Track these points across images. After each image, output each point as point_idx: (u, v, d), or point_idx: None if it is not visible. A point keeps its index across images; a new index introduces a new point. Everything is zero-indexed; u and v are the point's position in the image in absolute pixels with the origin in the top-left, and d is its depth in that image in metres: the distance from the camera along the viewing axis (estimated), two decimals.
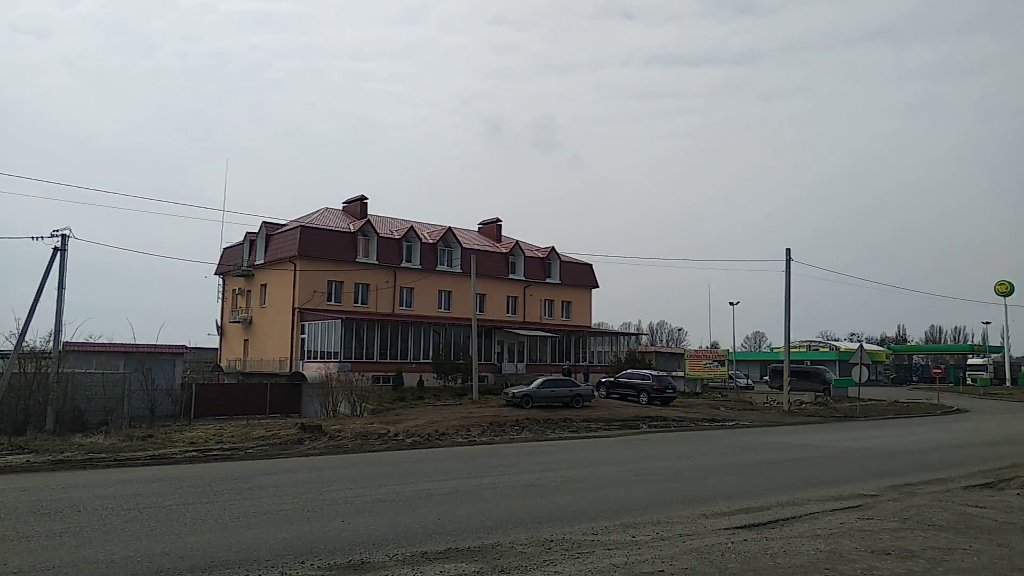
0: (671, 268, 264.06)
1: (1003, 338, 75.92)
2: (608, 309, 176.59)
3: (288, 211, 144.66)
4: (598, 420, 29.04)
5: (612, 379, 39.74)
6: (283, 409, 37.11)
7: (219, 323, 52.02)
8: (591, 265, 57.04)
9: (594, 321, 59.49)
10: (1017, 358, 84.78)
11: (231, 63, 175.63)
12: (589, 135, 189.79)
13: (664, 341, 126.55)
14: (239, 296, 49.32)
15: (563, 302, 55.41)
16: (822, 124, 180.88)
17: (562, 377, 36.75)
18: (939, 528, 9.97)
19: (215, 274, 51.68)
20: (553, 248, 55.03)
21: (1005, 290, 70.93)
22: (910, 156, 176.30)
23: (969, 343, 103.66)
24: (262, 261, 46.27)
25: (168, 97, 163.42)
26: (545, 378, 34.47)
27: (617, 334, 61.52)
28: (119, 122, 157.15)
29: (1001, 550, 8.75)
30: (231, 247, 50.73)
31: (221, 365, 50.41)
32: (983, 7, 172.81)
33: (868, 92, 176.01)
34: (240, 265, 48.27)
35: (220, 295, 52.02)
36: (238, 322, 48.53)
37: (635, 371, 40.24)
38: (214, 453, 19.19)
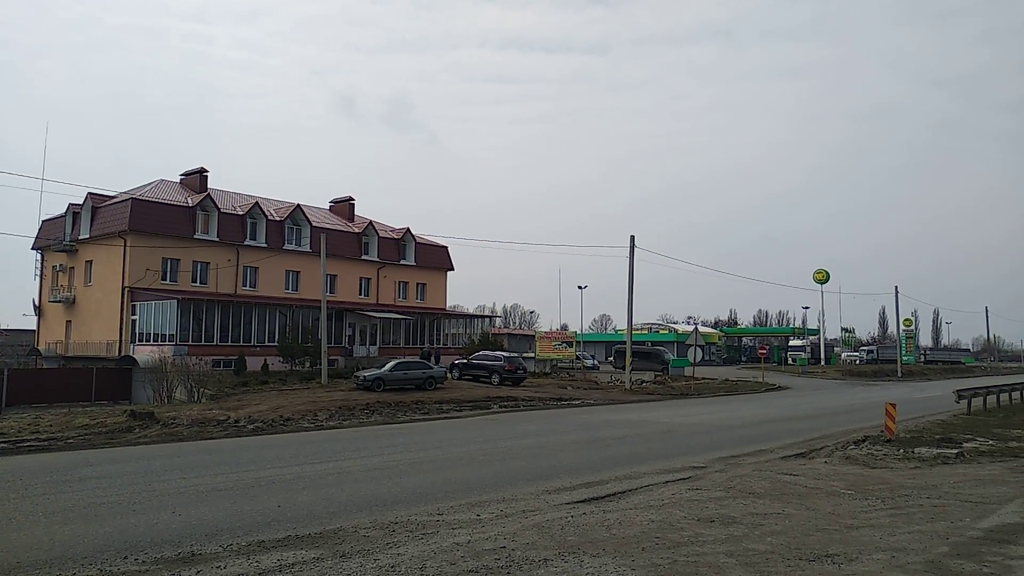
0: (525, 252, 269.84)
1: (819, 322, 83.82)
2: (463, 292, 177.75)
3: (118, 182, 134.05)
4: (450, 402, 29.18)
5: (465, 361, 40.05)
6: (111, 396, 34.76)
7: (37, 302, 47.38)
8: (447, 248, 56.98)
9: (449, 304, 59.58)
10: (831, 340, 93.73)
11: (51, 15, 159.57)
12: (445, 116, 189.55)
13: (517, 323, 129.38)
14: (60, 273, 45.12)
15: (418, 284, 55.00)
16: (668, 119, 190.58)
17: (416, 360, 36.56)
18: (758, 496, 10.84)
19: (33, 248, 46.97)
20: (408, 229, 54.44)
21: (822, 278, 78.12)
22: (762, 163, 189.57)
23: (791, 326, 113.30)
24: (87, 236, 42.54)
25: None
26: (398, 361, 34.17)
27: (471, 316, 61.94)
28: None
29: (809, 513, 9.65)
30: (52, 219, 46.21)
31: (39, 348, 46.10)
32: (811, 17, 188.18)
33: (710, 90, 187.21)
34: (62, 239, 44.08)
35: (39, 272, 47.33)
36: (59, 301, 44.42)
37: (488, 353, 40.74)
38: (28, 444, 17.62)
